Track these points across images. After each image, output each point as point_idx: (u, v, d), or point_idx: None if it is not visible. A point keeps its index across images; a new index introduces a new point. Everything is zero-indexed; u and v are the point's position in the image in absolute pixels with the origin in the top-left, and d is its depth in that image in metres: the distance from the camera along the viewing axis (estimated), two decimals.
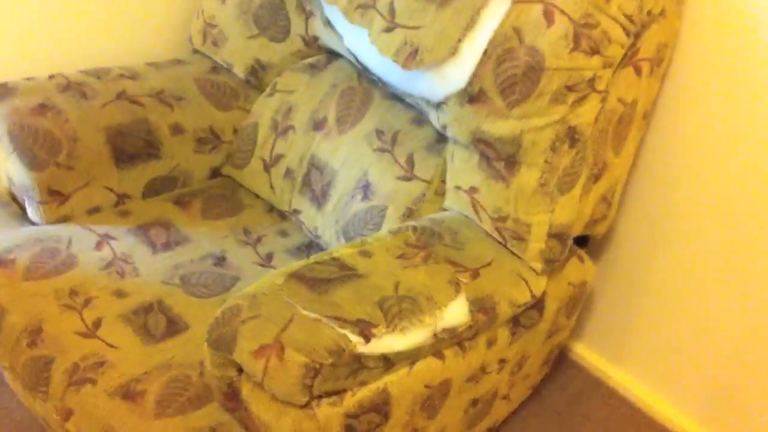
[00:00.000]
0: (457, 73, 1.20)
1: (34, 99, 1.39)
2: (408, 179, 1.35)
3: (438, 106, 1.28)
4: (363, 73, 1.47)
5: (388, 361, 1.04)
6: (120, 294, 1.25)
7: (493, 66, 1.16)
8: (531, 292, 1.22)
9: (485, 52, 1.16)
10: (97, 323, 1.20)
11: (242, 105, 1.59)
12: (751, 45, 1.26)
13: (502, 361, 1.29)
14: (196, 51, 1.69)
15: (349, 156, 1.42)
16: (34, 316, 1.20)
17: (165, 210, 1.48)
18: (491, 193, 1.23)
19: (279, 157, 1.52)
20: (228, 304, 1.03)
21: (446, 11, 1.19)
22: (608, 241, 1.62)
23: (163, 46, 1.74)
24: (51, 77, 1.45)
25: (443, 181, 1.33)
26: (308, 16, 1.51)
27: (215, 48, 1.62)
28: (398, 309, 1.05)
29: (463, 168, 1.27)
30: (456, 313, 1.10)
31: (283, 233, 1.49)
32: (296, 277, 1.05)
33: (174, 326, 1.21)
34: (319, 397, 1.00)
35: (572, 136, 1.17)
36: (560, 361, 1.76)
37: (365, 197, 1.37)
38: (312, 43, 1.54)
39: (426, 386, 1.13)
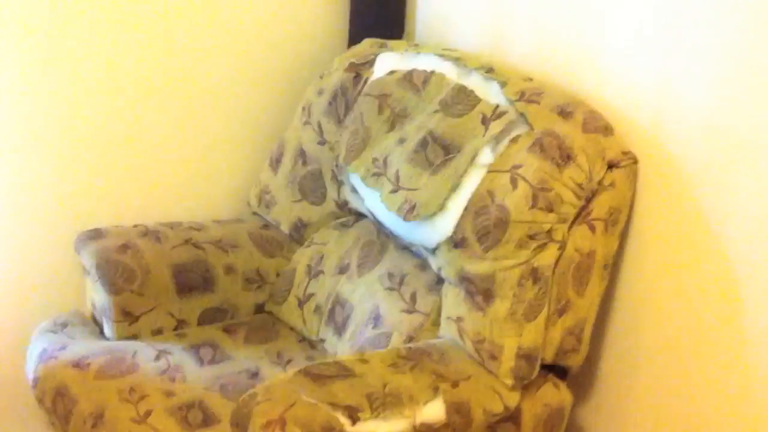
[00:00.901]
0: (445, 224, 1.52)
1: (119, 240, 1.77)
2: (410, 312, 1.64)
3: (433, 251, 1.59)
4: (381, 229, 1.81)
5: None
6: (169, 394, 1.54)
7: (472, 218, 1.49)
8: (504, 403, 1.45)
9: (466, 208, 1.49)
10: (148, 413, 1.48)
11: (285, 254, 1.94)
12: (695, 212, 1.55)
13: None
14: (254, 213, 2.07)
15: (365, 293, 1.72)
16: (99, 405, 1.50)
17: (214, 335, 1.80)
18: (472, 321, 1.50)
19: (310, 296, 1.84)
20: (248, 392, 1.31)
21: (437, 177, 1.54)
22: (593, 381, 1.83)
23: (228, 208, 2.14)
24: (135, 226, 1.84)
25: (439, 314, 1.62)
26: (340, 185, 1.88)
27: (267, 209, 2.01)
28: (383, 401, 1.31)
29: (453, 302, 1.56)
30: (433, 410, 1.35)
31: (310, 358, 1.77)
32: (303, 372, 1.34)
33: (208, 420, 1.49)
34: None
35: (535, 275, 1.45)
36: None
37: (375, 326, 1.66)
38: (343, 206, 1.90)
39: None
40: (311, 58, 2.12)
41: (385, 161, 1.66)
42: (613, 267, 1.65)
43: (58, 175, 1.91)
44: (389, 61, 1.82)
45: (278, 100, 2.14)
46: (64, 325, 1.77)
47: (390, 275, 1.72)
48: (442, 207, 1.52)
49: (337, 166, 1.85)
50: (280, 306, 1.90)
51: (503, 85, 1.58)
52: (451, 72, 1.67)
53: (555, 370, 1.63)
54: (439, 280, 1.65)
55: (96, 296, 1.75)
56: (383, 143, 1.69)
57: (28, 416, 1.93)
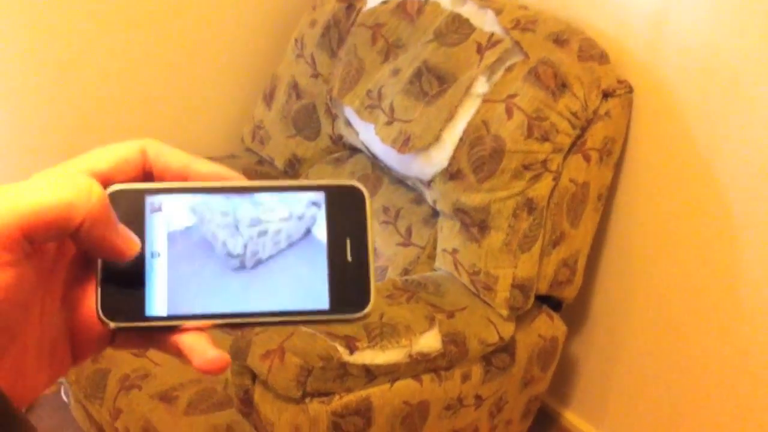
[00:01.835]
0: (440, 156, 1.51)
1: None
2: (406, 245, 1.64)
3: (428, 184, 1.59)
4: (375, 163, 1.80)
5: (370, 373, 1.30)
6: None
7: (467, 149, 1.48)
8: (499, 334, 1.47)
9: (461, 139, 1.48)
10: None
11: None
12: (687, 145, 1.54)
13: (478, 397, 1.52)
14: (247, 149, 2.06)
15: None
16: None
17: None
18: (468, 253, 1.51)
19: None
20: None
21: (432, 108, 1.52)
22: (586, 313, 1.86)
23: (221, 145, 2.13)
24: None
25: (434, 247, 1.62)
26: (334, 118, 1.87)
27: (261, 145, 1.99)
28: (380, 331, 1.32)
29: (448, 234, 1.56)
30: (430, 340, 1.36)
31: None
32: None
33: None
34: (312, 395, 1.27)
35: (530, 205, 1.45)
36: (549, 425, 1.95)
37: None
38: (338, 140, 1.89)
39: (405, 402, 1.37)
40: None
41: (379, 93, 1.64)
42: (607, 198, 1.66)
43: (51, 117, 1.88)
44: None
45: (271, 33, 2.10)
46: None
47: (385, 209, 1.72)
48: (437, 138, 1.51)
49: (330, 99, 1.83)
50: None
51: (498, 13, 1.56)
52: (445, 0, 1.64)
53: (549, 302, 1.64)
54: (435, 213, 1.65)
55: None
56: (377, 75, 1.67)
57: None
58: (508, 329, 1.49)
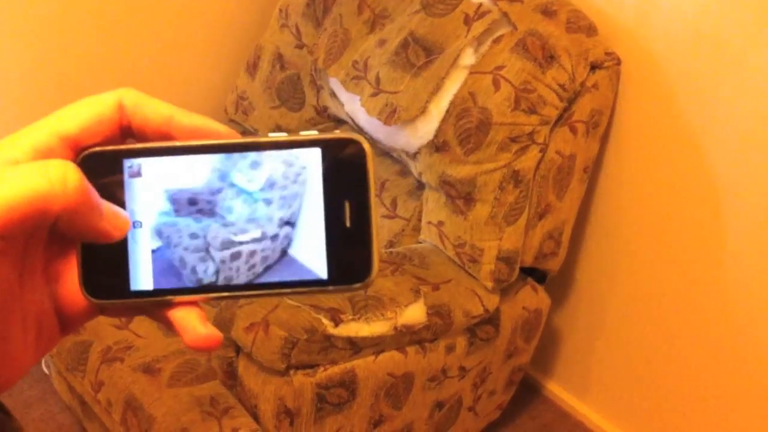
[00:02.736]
0: (426, 128, 1.50)
1: None
2: (391, 217, 1.63)
3: (414, 156, 1.57)
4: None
5: (355, 346, 1.30)
6: None
7: (454, 121, 1.46)
8: (483, 306, 1.47)
9: (447, 111, 1.47)
10: None
11: None
12: (674, 118, 1.54)
13: (462, 368, 1.52)
14: (231, 120, 2.03)
15: None
16: None
17: None
18: (453, 225, 1.50)
19: None
20: None
21: (418, 79, 1.51)
22: (570, 286, 1.86)
23: (205, 115, 2.09)
24: None
25: (420, 220, 1.61)
26: (319, 89, 1.84)
27: (245, 116, 1.97)
28: (365, 304, 1.31)
29: (433, 207, 1.56)
30: (414, 312, 1.36)
31: None
32: None
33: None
34: (296, 367, 1.26)
35: (516, 178, 1.45)
36: (533, 397, 1.97)
37: None
38: (322, 112, 1.87)
39: (389, 374, 1.37)
40: None
41: (365, 64, 1.62)
42: (593, 171, 1.65)
43: (29, 83, 1.85)
44: None
45: (255, 1, 2.07)
46: None
47: None
48: (423, 110, 1.49)
49: (315, 70, 1.80)
50: None
51: None
52: None
53: (534, 274, 1.64)
54: (420, 186, 1.64)
55: None
56: (363, 45, 1.64)
57: None
58: (492, 301, 1.49)
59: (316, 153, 0.36)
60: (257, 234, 0.37)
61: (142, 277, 0.36)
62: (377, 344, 1.33)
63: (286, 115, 1.90)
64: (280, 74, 1.88)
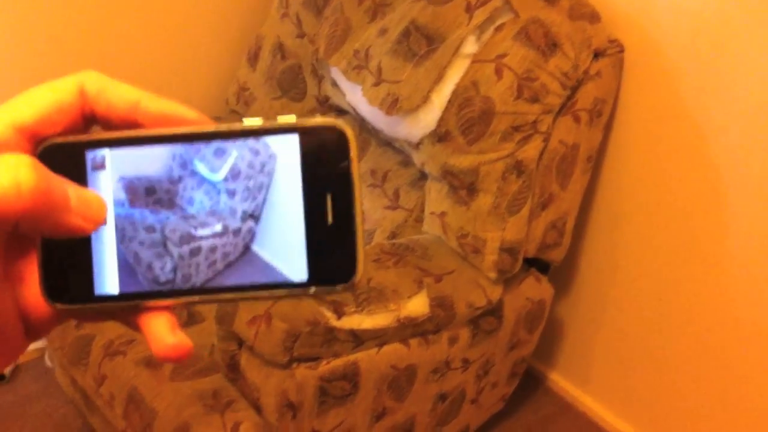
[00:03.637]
0: (428, 118, 1.49)
1: None
2: (393, 208, 1.62)
3: (416, 146, 1.56)
4: (363, 125, 1.77)
5: (357, 338, 1.29)
6: None
7: (456, 111, 1.45)
8: (487, 297, 1.46)
9: (450, 100, 1.45)
10: None
11: None
12: (677, 106, 1.52)
13: (465, 360, 1.51)
14: (232, 111, 2.02)
15: None
16: None
17: None
18: (456, 215, 1.49)
19: None
20: None
21: (420, 69, 1.49)
22: (573, 277, 1.85)
23: (205, 107, 2.08)
24: None
25: (422, 210, 1.60)
26: (320, 79, 1.83)
27: (246, 107, 1.95)
28: (367, 296, 1.30)
29: (436, 197, 1.54)
30: (417, 304, 1.35)
31: None
32: None
33: (193, 318, 1.49)
34: (298, 360, 1.26)
35: (519, 168, 1.43)
36: (535, 387, 1.96)
37: None
38: (324, 102, 1.86)
39: (392, 367, 1.37)
40: None
41: (366, 53, 1.60)
42: (596, 160, 1.64)
43: (32, 73, 1.84)
44: None
45: None
46: None
47: (372, 172, 1.69)
48: (425, 100, 1.48)
49: (317, 59, 1.79)
50: None
51: None
52: None
53: (537, 264, 1.63)
54: (422, 176, 1.63)
55: None
56: (364, 35, 1.63)
57: None
58: (495, 292, 1.48)
59: (293, 140, 0.33)
60: (218, 228, 0.33)
61: (108, 279, 0.33)
62: (380, 336, 1.33)
63: (287, 106, 1.89)
64: (281, 64, 1.86)
